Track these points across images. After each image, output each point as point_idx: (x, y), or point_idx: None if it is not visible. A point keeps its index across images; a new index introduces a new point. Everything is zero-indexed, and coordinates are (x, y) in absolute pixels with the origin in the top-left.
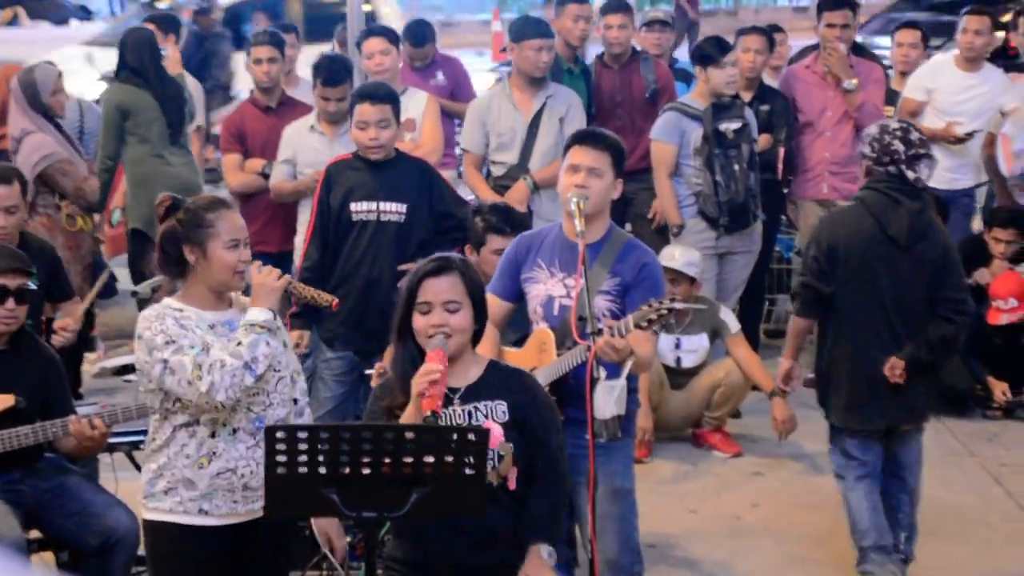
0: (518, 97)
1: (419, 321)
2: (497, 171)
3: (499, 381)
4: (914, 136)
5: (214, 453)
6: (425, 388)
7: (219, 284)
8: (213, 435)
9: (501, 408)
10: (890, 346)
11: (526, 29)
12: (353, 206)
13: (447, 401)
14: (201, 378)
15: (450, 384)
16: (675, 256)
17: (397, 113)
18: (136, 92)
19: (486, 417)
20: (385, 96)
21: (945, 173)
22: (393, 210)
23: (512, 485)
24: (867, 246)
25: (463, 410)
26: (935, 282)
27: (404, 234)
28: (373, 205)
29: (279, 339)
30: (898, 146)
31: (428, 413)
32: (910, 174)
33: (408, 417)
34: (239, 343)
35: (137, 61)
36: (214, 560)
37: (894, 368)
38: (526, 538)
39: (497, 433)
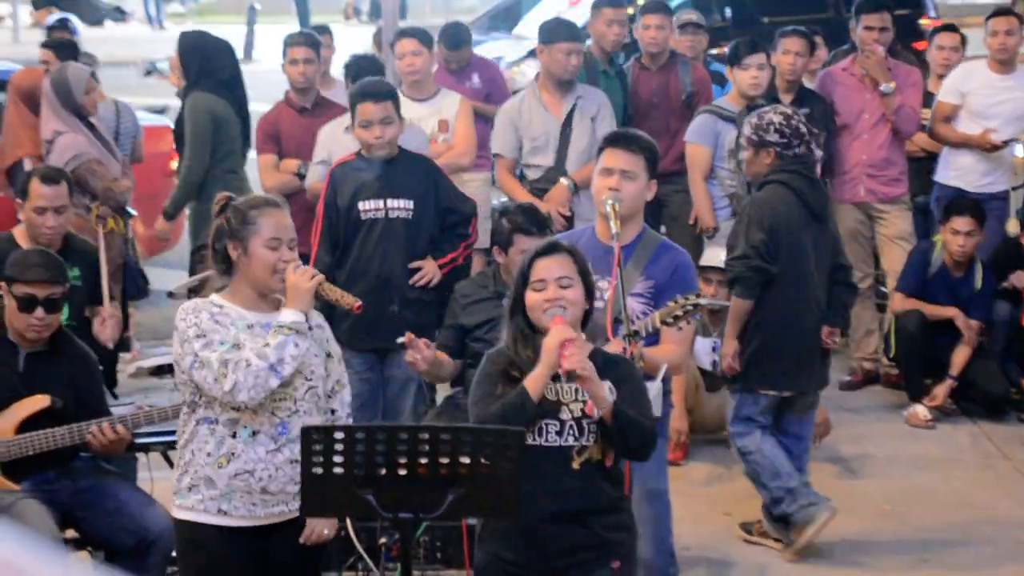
0: (548, 99)
1: (533, 297)
2: (533, 174)
3: (603, 364)
4: (803, 118)
5: (233, 454)
6: (561, 346)
7: (259, 283)
8: (234, 435)
9: (606, 387)
10: (817, 314)
11: (557, 32)
12: (361, 205)
13: (556, 378)
14: (226, 376)
15: None
16: (720, 257)
17: (399, 109)
18: (223, 104)
19: None
20: (387, 93)
21: (979, 176)
22: (401, 207)
23: (609, 462)
24: (797, 223)
25: (570, 387)
26: (836, 250)
27: (413, 230)
28: (380, 203)
29: (309, 341)
30: (803, 128)
31: (567, 371)
32: (818, 152)
33: (537, 379)
34: (267, 344)
35: (222, 70)
36: (237, 560)
37: (832, 335)
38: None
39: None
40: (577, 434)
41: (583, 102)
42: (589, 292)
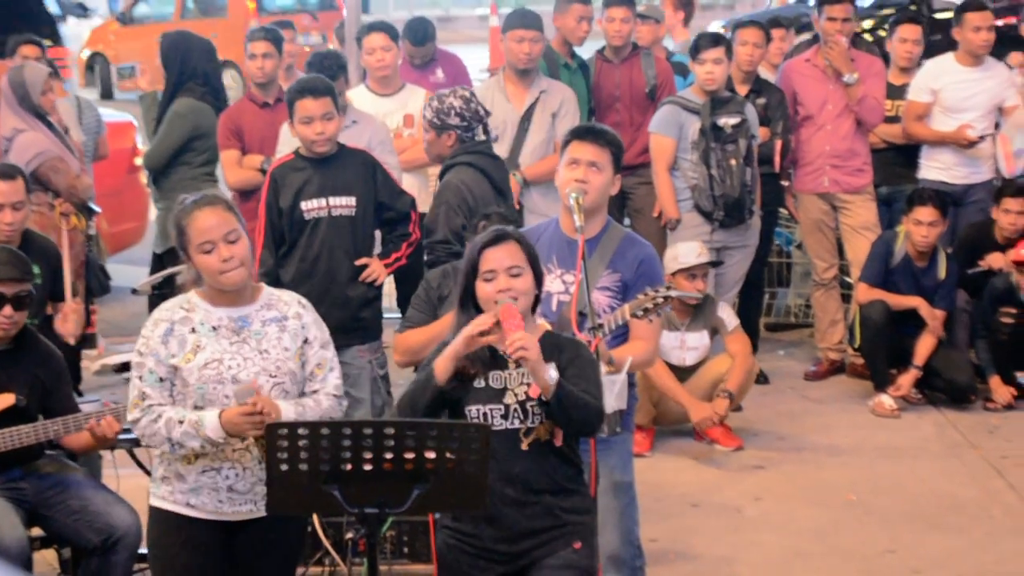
0: (511, 90)
1: (484, 289)
2: None
3: (551, 346)
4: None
5: (200, 451)
6: (508, 329)
7: (213, 284)
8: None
9: (550, 368)
10: None
11: (511, 20)
12: (304, 204)
13: (501, 364)
14: (136, 407)
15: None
16: (700, 251)
17: (338, 105)
18: (209, 112)
19: None
20: (326, 89)
21: (961, 168)
22: (343, 204)
23: (559, 442)
24: (490, 202)
25: (519, 372)
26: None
27: (357, 227)
28: (323, 201)
29: (211, 446)
30: (482, 111)
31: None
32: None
33: (445, 357)
34: (181, 421)
35: (205, 73)
36: (205, 550)
37: None
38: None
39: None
40: (522, 416)
41: (546, 96)
42: (538, 279)
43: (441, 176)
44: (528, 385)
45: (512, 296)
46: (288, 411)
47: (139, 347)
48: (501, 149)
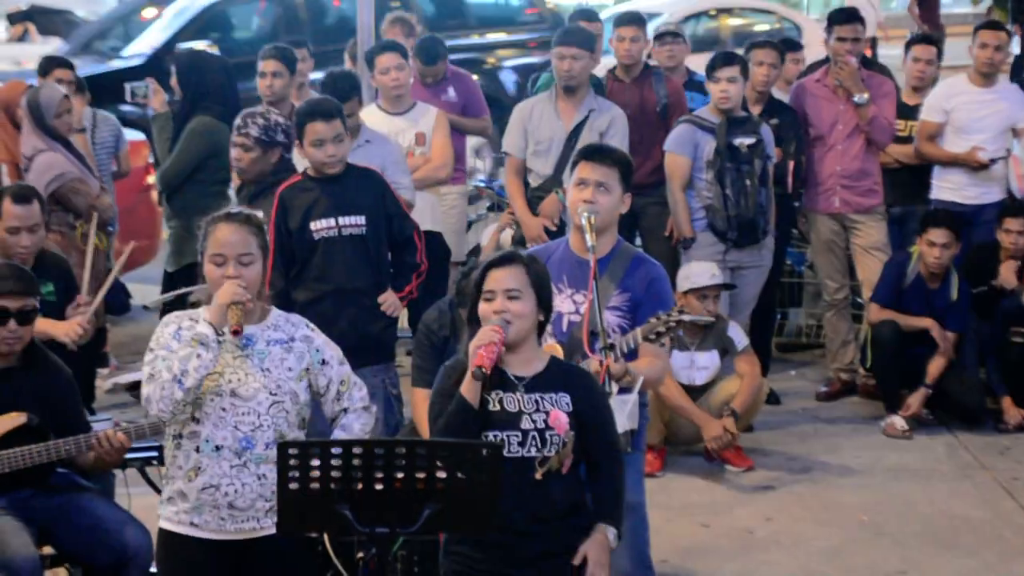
0: (561, 106)
1: (483, 308)
2: (533, 181)
3: (563, 375)
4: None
5: (199, 468)
6: (479, 346)
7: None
8: (197, 449)
9: (565, 400)
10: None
11: (556, 37)
12: (313, 225)
13: (511, 387)
14: (146, 385)
15: (516, 373)
16: (715, 272)
17: (346, 127)
18: (225, 131)
19: (552, 406)
20: (336, 111)
21: (972, 189)
22: (353, 223)
23: (565, 470)
24: None
25: (529, 398)
26: None
27: (368, 245)
28: (332, 221)
29: (214, 352)
30: (291, 128)
31: (475, 368)
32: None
33: (464, 386)
34: (177, 356)
35: (222, 90)
36: (212, 572)
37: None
38: (595, 518)
39: (564, 421)
40: (540, 445)
41: (595, 115)
42: (545, 304)
43: (264, 192)
44: (547, 414)
45: (506, 319)
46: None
47: (151, 346)
48: (547, 165)
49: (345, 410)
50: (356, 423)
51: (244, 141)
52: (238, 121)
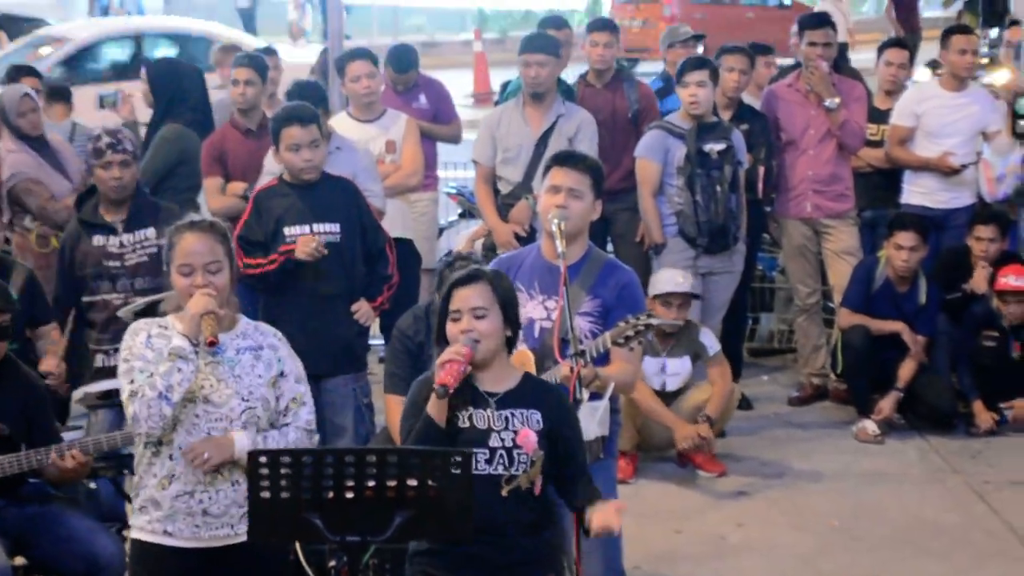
0: (529, 113)
1: (451, 328)
2: (503, 188)
3: (534, 392)
4: None
5: (173, 475)
6: (443, 363)
7: (183, 305)
8: (171, 457)
9: (536, 417)
10: None
11: (522, 43)
12: (287, 231)
13: (483, 403)
14: (128, 408)
15: (487, 389)
16: (676, 280)
17: (323, 132)
18: (195, 139)
19: (522, 424)
20: (312, 117)
21: (943, 193)
22: (327, 231)
23: (537, 490)
24: None
25: (499, 415)
26: None
27: (342, 253)
28: (307, 228)
29: (193, 364)
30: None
31: (437, 386)
32: None
33: (430, 405)
34: (158, 372)
35: (195, 98)
36: None
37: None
38: (599, 498)
39: (532, 440)
40: (507, 463)
41: (563, 120)
42: (511, 319)
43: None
44: (515, 432)
45: (474, 338)
46: (243, 441)
47: (124, 356)
48: (516, 172)
49: (286, 425)
50: (292, 435)
51: (124, 157)
52: (108, 139)
